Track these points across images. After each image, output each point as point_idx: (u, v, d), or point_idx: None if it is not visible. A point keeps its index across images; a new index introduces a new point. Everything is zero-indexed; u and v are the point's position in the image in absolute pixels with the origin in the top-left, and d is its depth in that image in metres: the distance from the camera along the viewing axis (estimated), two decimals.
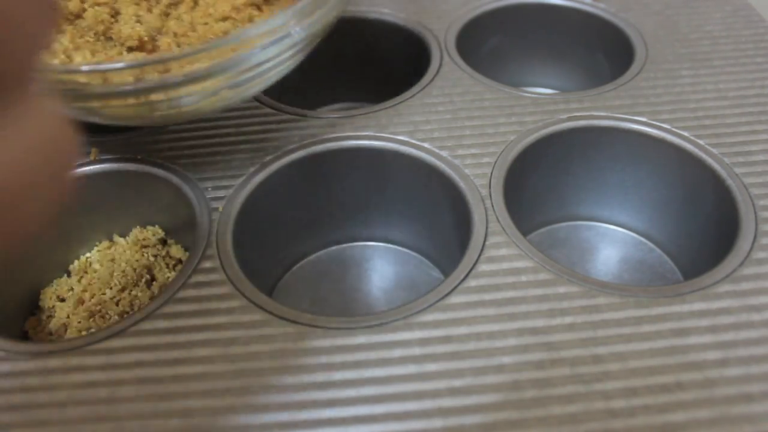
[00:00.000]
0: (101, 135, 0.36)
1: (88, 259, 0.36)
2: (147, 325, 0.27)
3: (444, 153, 0.34)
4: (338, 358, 0.26)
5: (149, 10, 0.29)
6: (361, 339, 0.26)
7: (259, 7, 0.30)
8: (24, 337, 0.33)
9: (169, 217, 0.36)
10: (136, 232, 0.37)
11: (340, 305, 0.37)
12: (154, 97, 0.26)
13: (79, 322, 0.32)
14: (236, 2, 0.29)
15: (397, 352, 0.26)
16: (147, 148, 0.35)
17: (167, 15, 0.30)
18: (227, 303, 0.28)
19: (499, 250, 0.29)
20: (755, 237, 0.29)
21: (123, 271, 0.34)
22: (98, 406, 0.25)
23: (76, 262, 0.36)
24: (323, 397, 0.25)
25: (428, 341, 0.26)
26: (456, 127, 0.35)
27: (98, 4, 0.29)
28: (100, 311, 0.33)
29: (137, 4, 0.30)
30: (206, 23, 0.29)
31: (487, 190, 0.32)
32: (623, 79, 0.38)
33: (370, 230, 0.39)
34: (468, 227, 0.31)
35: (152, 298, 0.33)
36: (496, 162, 0.33)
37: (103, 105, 0.26)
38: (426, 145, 0.35)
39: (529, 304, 0.27)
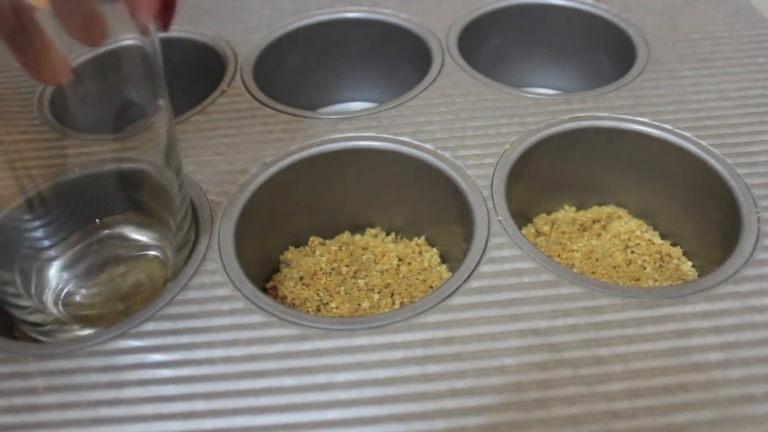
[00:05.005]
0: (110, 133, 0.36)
1: None
2: (149, 327, 0.27)
3: (446, 154, 0.34)
4: (340, 360, 0.26)
5: None
6: (363, 340, 0.26)
7: None
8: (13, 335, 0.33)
9: None
10: None
11: None
12: None
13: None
14: None
15: (399, 354, 0.26)
16: None
17: None
18: (229, 304, 0.28)
19: (502, 251, 0.29)
20: (757, 238, 0.29)
21: None
22: (100, 408, 0.25)
23: None
24: (325, 399, 0.25)
25: (430, 342, 0.26)
26: (458, 127, 0.35)
27: None
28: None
29: None
30: None
31: (489, 191, 0.32)
32: (625, 80, 0.38)
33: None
34: (470, 228, 0.31)
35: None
36: (498, 163, 0.33)
37: None
38: (428, 145, 0.35)
39: (532, 305, 0.27)
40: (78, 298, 0.29)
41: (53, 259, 0.28)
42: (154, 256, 0.30)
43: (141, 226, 0.30)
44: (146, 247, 0.30)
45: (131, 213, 0.30)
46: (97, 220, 0.29)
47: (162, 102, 0.26)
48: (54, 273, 0.28)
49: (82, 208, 0.29)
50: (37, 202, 0.27)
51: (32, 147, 0.26)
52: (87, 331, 0.28)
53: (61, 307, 0.28)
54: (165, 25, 0.24)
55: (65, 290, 0.29)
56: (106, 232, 0.29)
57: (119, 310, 0.28)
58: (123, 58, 0.25)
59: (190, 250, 0.30)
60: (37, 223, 0.27)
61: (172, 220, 0.29)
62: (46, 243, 0.28)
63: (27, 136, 0.26)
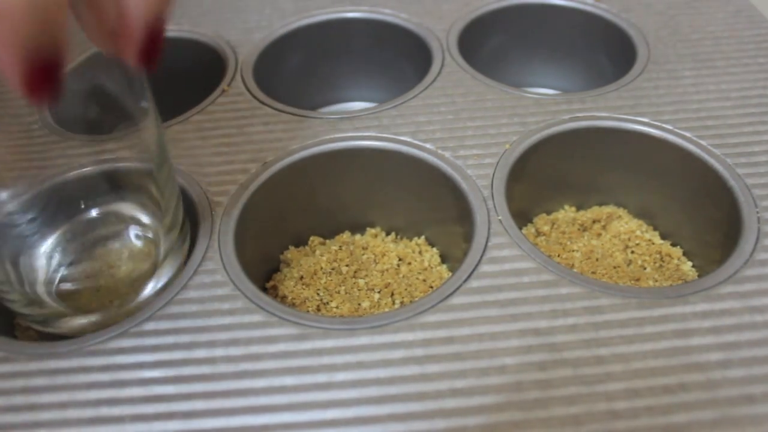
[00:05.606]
0: (101, 134, 0.36)
1: None
2: (149, 326, 0.27)
3: (446, 153, 0.34)
4: (340, 359, 0.26)
5: None
6: (363, 340, 0.26)
7: None
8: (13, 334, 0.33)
9: None
10: None
11: None
12: None
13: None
14: None
15: (399, 353, 0.26)
16: None
17: None
18: (229, 304, 0.28)
19: (502, 251, 0.29)
20: (758, 238, 0.29)
21: None
22: (101, 408, 0.25)
23: None
24: (325, 398, 0.25)
25: (430, 342, 0.26)
26: (458, 127, 0.35)
27: None
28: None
29: None
30: None
31: (489, 190, 0.32)
32: (625, 80, 0.38)
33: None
34: (470, 228, 0.31)
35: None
36: (498, 163, 0.33)
37: None
38: (428, 145, 0.35)
39: (532, 305, 0.27)
40: (68, 285, 0.29)
41: (39, 243, 0.28)
42: (142, 235, 0.30)
43: (127, 206, 0.30)
44: (132, 220, 0.30)
45: (117, 199, 0.30)
46: (82, 205, 0.29)
47: (145, 104, 0.26)
48: (42, 260, 0.29)
49: (69, 201, 0.29)
50: (27, 199, 0.27)
51: (24, 149, 0.27)
52: (84, 320, 0.28)
53: (54, 295, 0.28)
54: (151, 68, 0.21)
55: (56, 277, 0.29)
56: (92, 214, 0.30)
57: (111, 288, 0.28)
58: (101, 63, 0.24)
59: (183, 235, 0.30)
60: (24, 217, 0.28)
61: (161, 199, 0.29)
62: (32, 230, 0.28)
63: (21, 140, 0.26)
